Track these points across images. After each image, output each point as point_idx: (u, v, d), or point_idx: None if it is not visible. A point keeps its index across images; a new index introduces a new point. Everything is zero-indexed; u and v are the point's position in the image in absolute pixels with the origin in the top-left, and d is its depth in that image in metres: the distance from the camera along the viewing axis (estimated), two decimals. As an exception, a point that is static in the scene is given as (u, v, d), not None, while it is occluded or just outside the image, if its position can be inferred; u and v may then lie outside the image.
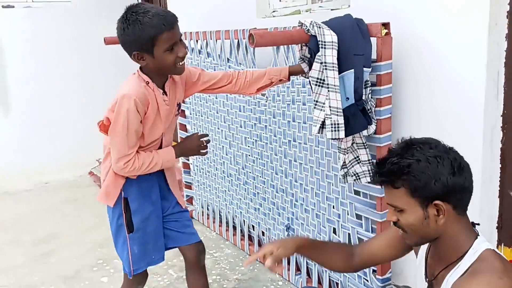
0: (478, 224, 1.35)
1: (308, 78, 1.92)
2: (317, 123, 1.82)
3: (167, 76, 1.87)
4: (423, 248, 1.45)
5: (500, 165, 1.91)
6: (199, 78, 2.04)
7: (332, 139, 1.85)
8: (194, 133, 1.99)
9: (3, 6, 4.77)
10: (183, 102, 2.08)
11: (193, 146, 1.96)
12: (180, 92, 1.97)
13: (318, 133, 1.85)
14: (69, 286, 2.89)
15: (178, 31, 1.77)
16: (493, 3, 1.75)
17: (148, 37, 1.68)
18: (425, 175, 1.22)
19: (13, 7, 4.82)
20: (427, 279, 1.41)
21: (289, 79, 2.09)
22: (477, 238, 1.30)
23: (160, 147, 1.93)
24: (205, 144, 1.97)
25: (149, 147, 1.89)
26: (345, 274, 2.37)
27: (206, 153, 1.99)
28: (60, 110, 4.99)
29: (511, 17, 1.79)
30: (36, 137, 4.93)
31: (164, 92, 1.86)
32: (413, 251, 1.54)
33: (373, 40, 1.96)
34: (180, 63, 1.78)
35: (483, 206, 1.90)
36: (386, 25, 1.95)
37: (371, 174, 2.04)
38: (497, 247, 1.98)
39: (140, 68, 1.83)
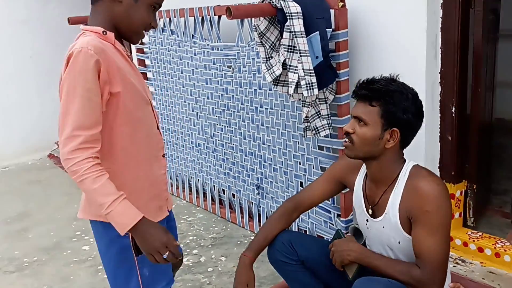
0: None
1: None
2: (292, 84, 2.09)
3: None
4: (359, 183, 1.71)
5: (440, 114, 2.29)
6: None
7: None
8: (170, 235, 1.40)
9: None
10: None
11: (157, 240, 1.37)
12: None
13: (294, 93, 2.12)
14: (52, 256, 3.02)
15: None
16: (430, -22, 2.10)
17: None
18: (400, 105, 1.49)
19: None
20: (370, 207, 1.64)
21: None
22: (404, 162, 1.59)
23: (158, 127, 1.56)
24: (164, 253, 1.37)
25: (144, 124, 1.49)
26: (312, 221, 2.69)
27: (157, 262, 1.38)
28: (15, 94, 4.96)
29: (445, -11, 2.15)
30: (-8, 123, 4.90)
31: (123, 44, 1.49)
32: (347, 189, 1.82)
33: (331, 12, 2.25)
34: (145, 31, 1.49)
35: (427, 149, 2.27)
36: (341, -1, 2.25)
37: (330, 128, 2.35)
38: (439, 184, 2.37)
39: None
